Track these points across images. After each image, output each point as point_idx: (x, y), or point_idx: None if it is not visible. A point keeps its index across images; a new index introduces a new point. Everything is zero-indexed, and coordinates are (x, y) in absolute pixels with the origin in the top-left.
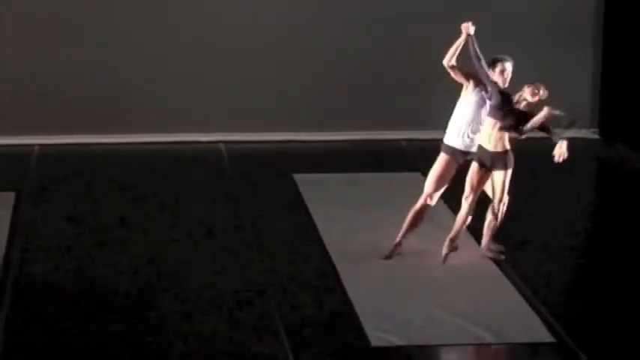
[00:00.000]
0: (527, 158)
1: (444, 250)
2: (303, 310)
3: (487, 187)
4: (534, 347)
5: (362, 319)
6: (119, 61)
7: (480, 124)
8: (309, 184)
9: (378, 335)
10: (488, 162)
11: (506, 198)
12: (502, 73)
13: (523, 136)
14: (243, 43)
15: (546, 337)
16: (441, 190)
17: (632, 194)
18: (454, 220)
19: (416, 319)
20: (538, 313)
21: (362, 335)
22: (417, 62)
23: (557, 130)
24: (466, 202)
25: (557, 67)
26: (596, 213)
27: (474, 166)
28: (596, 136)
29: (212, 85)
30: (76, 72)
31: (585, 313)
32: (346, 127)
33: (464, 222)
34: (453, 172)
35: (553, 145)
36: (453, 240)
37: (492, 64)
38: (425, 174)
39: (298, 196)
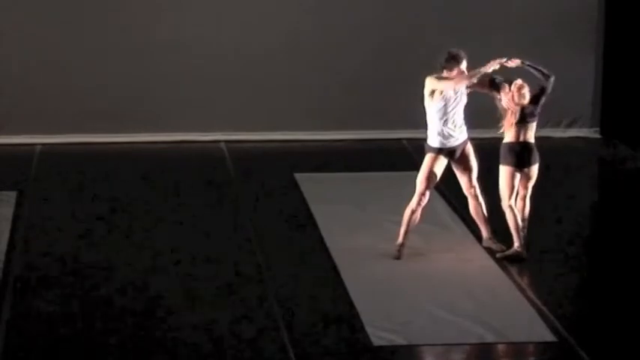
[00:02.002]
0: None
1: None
2: (304, 309)
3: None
4: (536, 346)
5: (363, 318)
6: (120, 61)
7: (454, 120)
8: (310, 182)
9: (380, 334)
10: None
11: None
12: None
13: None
14: (244, 44)
15: (548, 336)
16: (432, 187)
17: (633, 193)
18: (455, 220)
19: (417, 319)
20: (539, 312)
21: (363, 334)
22: (417, 62)
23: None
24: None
25: (559, 67)
26: (597, 212)
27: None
28: (597, 136)
29: (213, 84)
30: (77, 72)
31: (586, 312)
32: (347, 127)
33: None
34: (441, 167)
35: (553, 142)
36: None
37: (455, 60)
38: None
39: (299, 194)
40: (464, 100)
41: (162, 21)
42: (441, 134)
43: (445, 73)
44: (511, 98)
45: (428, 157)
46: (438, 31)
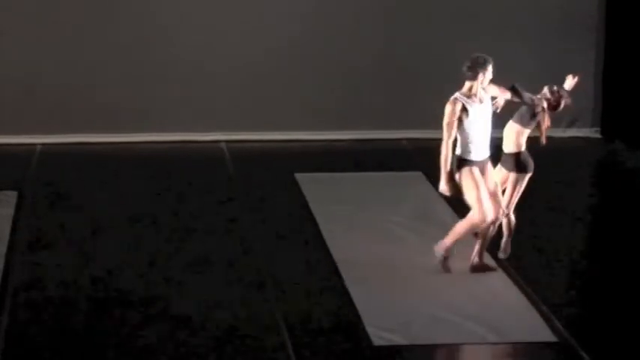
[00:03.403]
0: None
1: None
2: (304, 309)
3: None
4: (536, 347)
5: (364, 318)
6: (120, 61)
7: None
8: (310, 183)
9: (380, 334)
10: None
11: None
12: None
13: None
14: (244, 44)
15: (548, 336)
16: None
17: (633, 193)
18: (457, 221)
19: (418, 319)
20: (540, 312)
21: (364, 335)
22: (417, 62)
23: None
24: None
25: (559, 66)
26: (597, 212)
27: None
28: (598, 135)
29: (213, 84)
30: (77, 71)
31: (587, 313)
32: (347, 127)
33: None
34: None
35: (553, 142)
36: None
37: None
38: (426, 173)
39: (300, 195)
40: (480, 120)
41: (162, 21)
42: (481, 148)
43: (479, 78)
44: (558, 102)
45: (467, 171)
46: (438, 31)
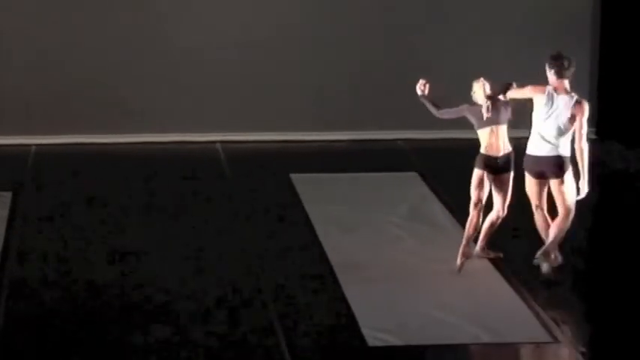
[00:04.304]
0: (522, 157)
1: (459, 260)
2: (300, 310)
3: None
4: (532, 347)
5: (359, 319)
6: (117, 61)
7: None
8: (306, 183)
9: (375, 335)
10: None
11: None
12: None
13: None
14: (241, 44)
15: (544, 336)
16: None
17: (629, 194)
18: (452, 222)
19: (413, 319)
20: (536, 312)
21: (359, 335)
22: (415, 62)
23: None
24: (476, 209)
25: None
26: (593, 212)
27: (480, 173)
28: (593, 136)
29: (209, 85)
30: (73, 72)
31: (583, 313)
32: (343, 127)
33: (475, 229)
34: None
35: None
36: (465, 247)
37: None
38: (422, 173)
39: (295, 195)
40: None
41: (159, 22)
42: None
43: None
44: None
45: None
46: (437, 32)
